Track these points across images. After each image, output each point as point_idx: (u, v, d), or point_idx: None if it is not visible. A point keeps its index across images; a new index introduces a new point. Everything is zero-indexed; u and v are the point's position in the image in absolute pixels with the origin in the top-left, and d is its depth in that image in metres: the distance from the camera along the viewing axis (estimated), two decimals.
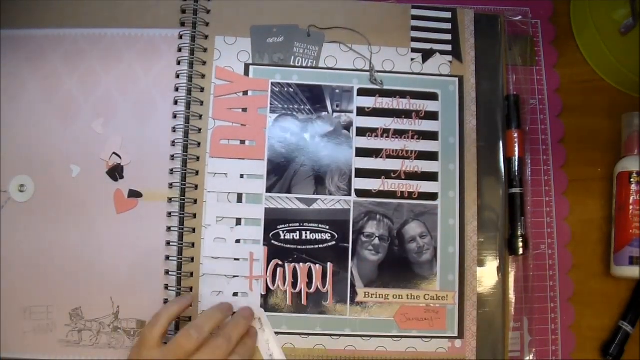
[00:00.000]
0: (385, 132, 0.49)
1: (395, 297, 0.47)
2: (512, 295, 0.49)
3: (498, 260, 0.48)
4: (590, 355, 0.50)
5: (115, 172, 0.47)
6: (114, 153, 0.48)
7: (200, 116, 0.48)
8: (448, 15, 0.52)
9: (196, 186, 0.47)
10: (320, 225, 0.48)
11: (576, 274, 0.51)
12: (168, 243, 0.46)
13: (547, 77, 0.53)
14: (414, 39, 0.51)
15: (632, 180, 0.49)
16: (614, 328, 0.50)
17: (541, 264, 0.50)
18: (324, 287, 0.47)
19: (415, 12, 0.51)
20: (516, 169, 0.50)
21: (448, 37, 0.51)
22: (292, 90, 0.49)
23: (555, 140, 0.52)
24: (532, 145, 0.52)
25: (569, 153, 0.52)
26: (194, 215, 0.47)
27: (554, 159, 0.52)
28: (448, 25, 0.51)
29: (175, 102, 0.48)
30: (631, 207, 0.49)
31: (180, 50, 0.49)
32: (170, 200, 0.47)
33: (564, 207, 0.51)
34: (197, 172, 0.47)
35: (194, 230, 0.47)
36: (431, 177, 0.49)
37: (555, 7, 0.55)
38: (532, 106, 0.53)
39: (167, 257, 0.46)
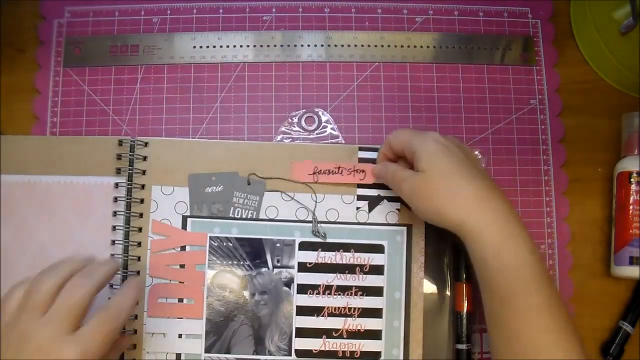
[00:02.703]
0: (328, 289, 0.48)
1: None
2: None
3: None
4: (590, 356, 0.50)
5: None
6: None
7: (138, 272, 0.47)
8: None
9: (134, 346, 0.46)
10: None
11: (576, 274, 0.51)
12: None
13: (547, 77, 0.53)
14: (361, 185, 0.49)
15: (632, 180, 0.49)
16: (614, 328, 0.50)
17: None
18: None
19: (362, 154, 0.49)
20: (464, 324, 0.47)
21: None
22: (231, 244, 0.47)
23: (555, 140, 0.52)
24: (532, 145, 0.52)
25: (569, 153, 0.52)
26: None
27: (554, 159, 0.52)
28: None
29: (112, 257, 0.47)
30: (631, 207, 0.49)
31: (116, 200, 0.48)
32: None
33: (564, 207, 0.51)
34: (135, 331, 0.46)
35: None
36: (374, 335, 0.47)
37: (555, 7, 0.54)
38: (532, 106, 0.53)
39: None
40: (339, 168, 0.48)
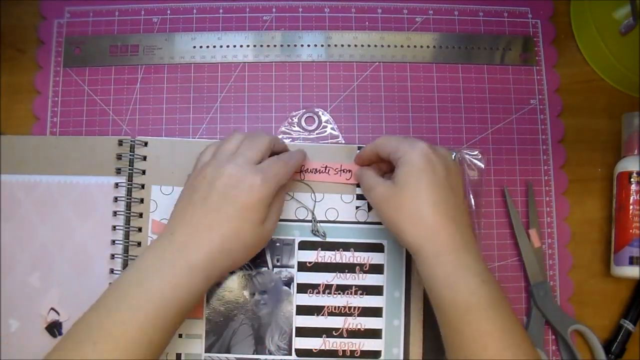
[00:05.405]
0: (327, 288, 0.48)
1: None
2: None
3: None
4: (591, 355, 0.50)
5: (54, 329, 0.46)
6: (52, 309, 0.46)
7: None
8: None
9: None
10: None
11: (576, 274, 0.51)
12: None
13: (547, 77, 0.53)
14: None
15: (632, 180, 0.49)
16: (616, 326, 0.50)
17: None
18: None
19: None
20: None
21: None
22: None
23: (555, 140, 0.52)
24: (532, 146, 0.52)
25: (569, 153, 0.52)
26: None
27: (554, 159, 0.52)
28: None
29: (112, 257, 0.47)
30: (631, 207, 0.49)
31: (116, 200, 0.48)
32: None
33: (564, 207, 0.51)
34: None
35: None
36: (374, 334, 0.47)
37: (555, 7, 0.55)
38: (532, 106, 0.53)
39: None
40: (325, 167, 0.48)
